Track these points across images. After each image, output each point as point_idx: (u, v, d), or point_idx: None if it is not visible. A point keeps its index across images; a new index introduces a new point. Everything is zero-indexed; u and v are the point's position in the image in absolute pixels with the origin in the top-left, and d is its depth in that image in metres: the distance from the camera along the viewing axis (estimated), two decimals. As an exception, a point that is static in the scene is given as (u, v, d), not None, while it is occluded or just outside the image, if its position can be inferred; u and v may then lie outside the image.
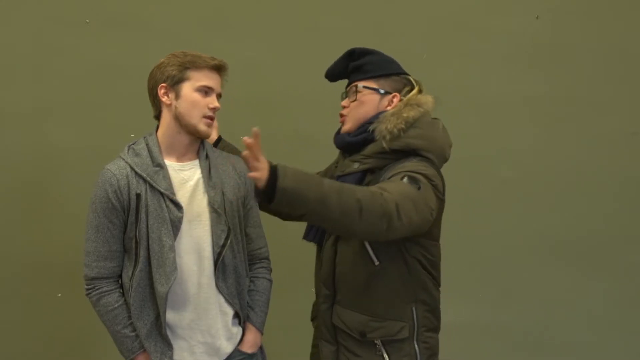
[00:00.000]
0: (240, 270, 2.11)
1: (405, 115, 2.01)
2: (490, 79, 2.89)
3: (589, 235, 3.00)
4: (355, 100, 2.07)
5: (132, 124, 2.74)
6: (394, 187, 1.82)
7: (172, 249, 1.98)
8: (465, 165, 2.87)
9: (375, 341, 2.01)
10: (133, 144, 2.08)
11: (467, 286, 2.99)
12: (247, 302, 2.16)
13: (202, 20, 2.76)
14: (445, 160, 2.07)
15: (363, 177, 2.03)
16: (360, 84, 2.07)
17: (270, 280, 2.23)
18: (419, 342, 2.02)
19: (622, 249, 3.03)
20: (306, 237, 2.16)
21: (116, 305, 2.02)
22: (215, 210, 2.04)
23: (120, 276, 2.05)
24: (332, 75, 2.16)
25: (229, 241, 2.05)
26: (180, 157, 2.06)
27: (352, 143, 2.05)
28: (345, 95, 2.13)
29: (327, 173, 2.27)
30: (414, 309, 2.02)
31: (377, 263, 2.00)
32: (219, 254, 2.04)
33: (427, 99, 2.08)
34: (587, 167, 2.98)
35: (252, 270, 2.20)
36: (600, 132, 2.96)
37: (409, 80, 2.11)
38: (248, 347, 2.15)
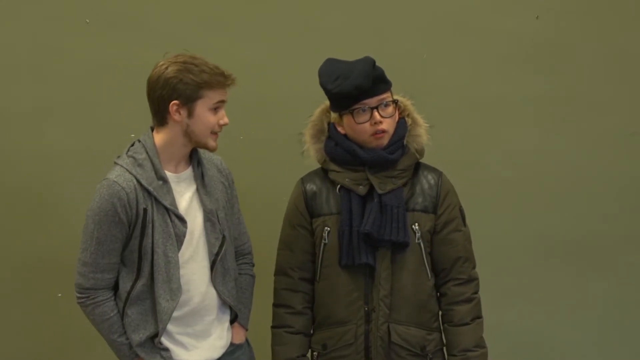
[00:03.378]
0: (236, 273, 2.16)
1: (426, 124, 2.15)
2: (489, 79, 2.89)
3: (589, 236, 3.00)
4: (393, 115, 2.10)
5: (132, 124, 2.74)
6: (469, 251, 2.18)
7: (178, 265, 1.98)
8: (464, 166, 2.87)
9: (429, 354, 2.14)
10: (129, 150, 2.04)
11: (467, 286, 2.99)
12: None
13: (202, 21, 2.76)
14: None
15: (402, 190, 2.11)
16: (392, 99, 2.11)
17: (252, 276, 2.25)
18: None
19: (623, 250, 3.03)
20: (360, 259, 2.09)
21: (112, 315, 2.01)
22: (210, 219, 2.05)
23: (113, 286, 2.04)
24: (364, 89, 2.05)
25: (223, 249, 2.06)
26: (177, 167, 2.05)
27: (392, 160, 2.10)
28: (376, 108, 2.08)
29: (315, 200, 2.21)
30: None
31: (430, 277, 2.14)
32: (214, 261, 2.05)
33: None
34: (586, 167, 2.97)
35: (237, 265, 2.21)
36: (600, 132, 2.96)
37: None
38: (236, 340, 2.19)
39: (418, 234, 2.11)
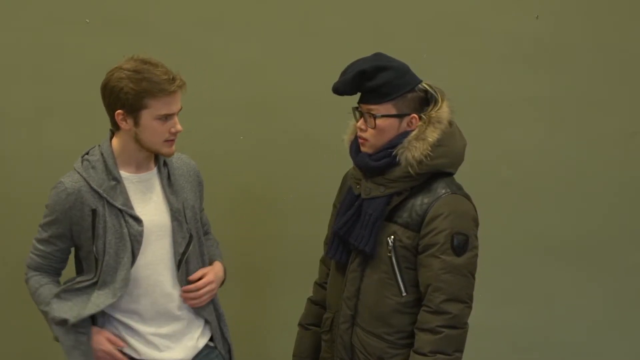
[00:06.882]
0: None
1: (430, 139, 1.99)
2: (489, 79, 2.89)
3: (589, 235, 3.00)
4: (374, 127, 2.01)
5: (132, 124, 2.74)
6: (446, 282, 1.96)
7: (128, 266, 1.96)
8: (465, 166, 2.87)
9: None
10: (87, 154, 2.04)
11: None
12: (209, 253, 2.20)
13: (202, 21, 2.76)
14: (462, 161, 2.11)
15: (390, 200, 2.03)
16: (379, 113, 2.00)
17: (217, 242, 2.29)
18: None
19: (623, 249, 3.03)
20: (333, 255, 2.14)
21: (37, 286, 2.07)
22: (177, 219, 2.03)
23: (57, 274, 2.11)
24: (340, 94, 2.05)
25: (189, 248, 2.04)
26: (139, 168, 2.03)
27: (373, 167, 2.03)
28: (360, 114, 2.06)
29: (343, 188, 2.23)
30: None
31: (404, 294, 2.03)
32: (180, 261, 2.03)
33: (444, 111, 2.06)
34: (587, 167, 2.98)
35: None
36: (600, 132, 2.96)
37: (425, 90, 2.07)
38: (213, 275, 2.12)
39: (390, 247, 2.02)
